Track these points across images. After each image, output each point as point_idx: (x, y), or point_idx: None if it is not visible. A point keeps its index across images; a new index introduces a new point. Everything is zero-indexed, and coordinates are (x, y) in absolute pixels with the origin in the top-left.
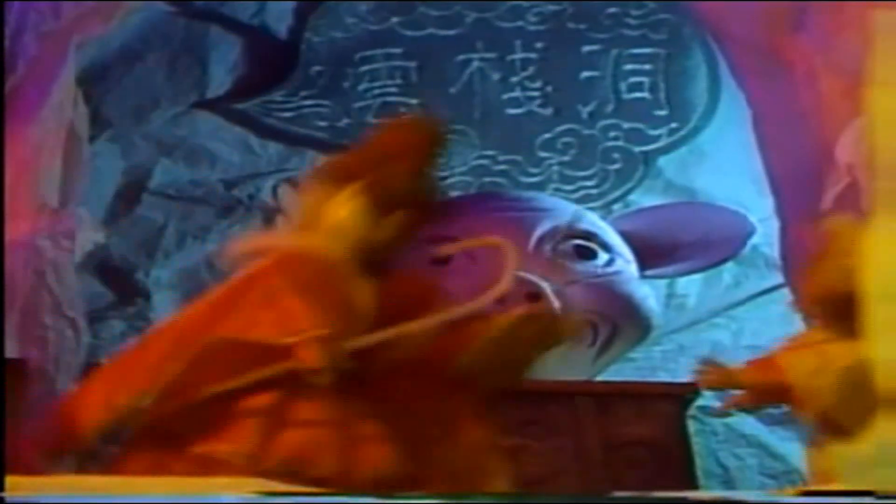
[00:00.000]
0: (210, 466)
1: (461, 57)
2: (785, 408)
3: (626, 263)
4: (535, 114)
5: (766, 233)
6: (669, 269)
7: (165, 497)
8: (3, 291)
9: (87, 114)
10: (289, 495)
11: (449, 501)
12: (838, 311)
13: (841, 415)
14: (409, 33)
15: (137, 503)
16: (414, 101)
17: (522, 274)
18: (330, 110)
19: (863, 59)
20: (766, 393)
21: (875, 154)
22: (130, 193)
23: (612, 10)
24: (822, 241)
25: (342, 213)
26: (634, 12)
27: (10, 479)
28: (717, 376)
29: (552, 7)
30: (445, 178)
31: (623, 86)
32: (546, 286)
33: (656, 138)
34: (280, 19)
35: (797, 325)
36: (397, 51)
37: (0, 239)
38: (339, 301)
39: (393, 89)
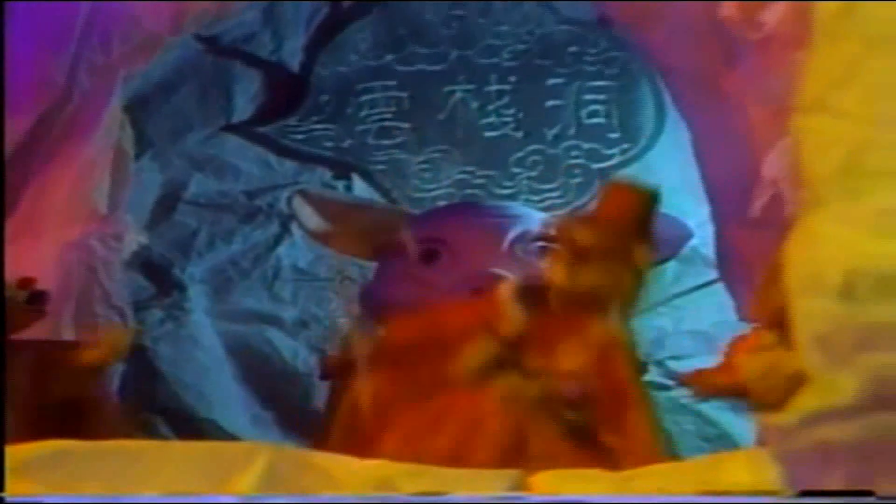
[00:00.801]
0: None
1: (446, 88)
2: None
3: None
4: (508, 136)
5: (703, 236)
6: None
7: (167, 497)
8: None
9: (133, 136)
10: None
11: (447, 501)
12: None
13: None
14: (401, 68)
15: (139, 503)
16: (406, 125)
17: (497, 270)
18: (335, 133)
19: (786, 90)
20: (727, 391)
21: (799, 169)
22: (168, 202)
23: (572, 49)
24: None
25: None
26: (591, 51)
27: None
28: (695, 380)
29: (522, 46)
30: (433, 189)
31: (583, 113)
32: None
33: (611, 157)
34: (293, 56)
35: (729, 311)
36: (392, 83)
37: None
38: None
39: (388, 115)
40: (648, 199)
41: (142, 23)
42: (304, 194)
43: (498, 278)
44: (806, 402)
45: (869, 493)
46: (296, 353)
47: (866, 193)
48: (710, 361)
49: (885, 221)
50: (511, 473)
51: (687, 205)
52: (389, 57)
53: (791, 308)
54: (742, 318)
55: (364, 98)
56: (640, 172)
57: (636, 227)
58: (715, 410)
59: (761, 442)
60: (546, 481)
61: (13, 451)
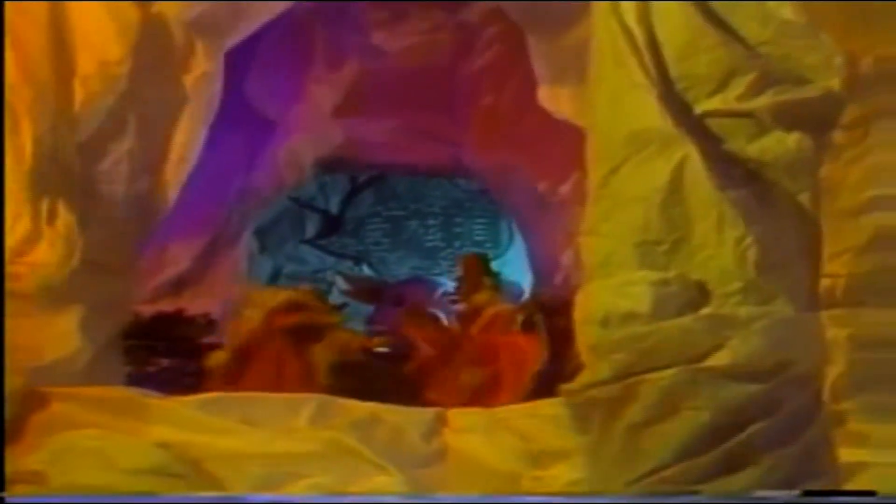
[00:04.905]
0: None
1: (406, 223)
2: None
3: None
4: (437, 245)
5: (528, 293)
6: None
7: (169, 497)
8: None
9: (257, 245)
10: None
11: (445, 501)
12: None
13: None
14: (385, 213)
15: (139, 503)
16: (387, 240)
17: (433, 310)
18: (354, 244)
19: (572, 223)
20: None
21: (580, 261)
22: (274, 277)
23: (468, 204)
24: None
25: None
26: (478, 205)
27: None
28: None
29: (444, 202)
30: (401, 270)
31: (473, 234)
32: (442, 315)
33: (490, 254)
34: (335, 206)
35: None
36: (381, 220)
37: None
38: None
39: (380, 235)
40: (484, 256)
41: (261, 191)
42: (339, 273)
43: (432, 314)
44: (583, 378)
45: (870, 493)
46: None
47: (613, 276)
48: None
49: (623, 289)
50: (436, 410)
51: (521, 277)
52: (379, 207)
53: (578, 332)
54: None
55: (368, 227)
56: (504, 262)
57: (485, 267)
58: None
59: (561, 397)
60: (455, 415)
61: (196, 399)
